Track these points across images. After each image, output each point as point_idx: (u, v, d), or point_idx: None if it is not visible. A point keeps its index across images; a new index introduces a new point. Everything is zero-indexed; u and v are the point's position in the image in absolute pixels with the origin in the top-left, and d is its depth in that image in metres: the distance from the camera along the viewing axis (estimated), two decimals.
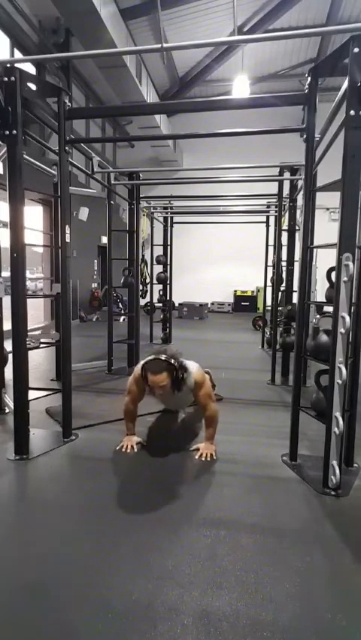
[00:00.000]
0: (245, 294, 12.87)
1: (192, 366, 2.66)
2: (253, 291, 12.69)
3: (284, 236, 4.72)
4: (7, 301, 2.83)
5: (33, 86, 2.64)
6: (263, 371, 4.81)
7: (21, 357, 2.57)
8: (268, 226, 6.81)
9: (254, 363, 5.67)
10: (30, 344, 2.74)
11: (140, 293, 5.45)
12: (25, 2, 7.58)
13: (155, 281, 7.14)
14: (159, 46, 2.91)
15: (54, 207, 3.85)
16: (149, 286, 7.01)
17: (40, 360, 5.25)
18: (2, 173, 2.81)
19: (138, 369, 2.62)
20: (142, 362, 2.54)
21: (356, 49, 1.99)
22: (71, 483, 2.36)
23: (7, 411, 3.37)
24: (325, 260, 3.15)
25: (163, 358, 2.42)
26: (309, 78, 2.35)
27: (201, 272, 13.64)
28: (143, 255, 6.27)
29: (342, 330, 2.09)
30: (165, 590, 1.51)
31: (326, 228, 4.24)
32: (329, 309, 2.24)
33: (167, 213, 7.11)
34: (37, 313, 9.09)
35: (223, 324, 10.07)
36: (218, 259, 13.52)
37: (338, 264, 2.10)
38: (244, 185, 5.20)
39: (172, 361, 2.41)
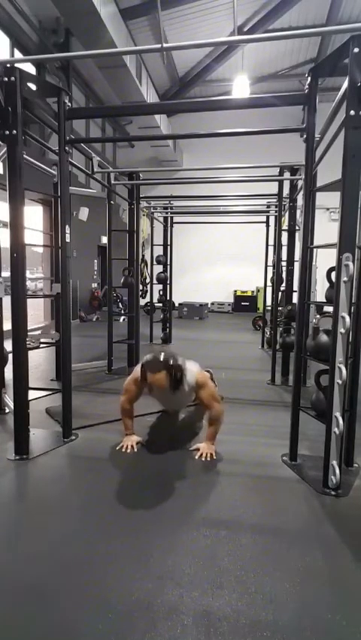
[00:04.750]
0: (245, 294, 12.88)
1: (193, 366, 2.65)
2: (253, 291, 12.69)
3: (284, 236, 4.72)
4: (7, 301, 2.83)
5: (33, 86, 2.64)
6: (263, 371, 4.81)
7: (21, 357, 2.57)
8: (268, 226, 6.81)
9: (254, 363, 5.67)
10: (30, 344, 2.74)
11: (140, 293, 5.45)
12: (25, 2, 7.58)
13: (155, 281, 7.14)
14: (159, 46, 2.91)
15: (54, 207, 3.85)
16: (149, 286, 7.01)
17: (40, 360, 5.25)
18: (2, 173, 2.80)
19: (137, 370, 2.62)
20: (141, 362, 2.54)
21: (356, 49, 1.99)
22: (71, 483, 2.35)
23: (7, 411, 3.37)
24: (325, 260, 3.15)
25: (162, 358, 2.41)
26: (309, 78, 2.34)
27: (201, 272, 13.64)
28: (143, 255, 6.27)
29: (342, 330, 2.09)
30: (165, 590, 1.51)
31: (326, 228, 4.24)
32: (329, 309, 2.23)
33: (167, 213, 7.11)
34: (37, 313, 9.09)
35: (223, 324, 10.07)
36: (218, 259, 13.52)
37: (338, 264, 2.10)
38: (244, 185, 5.20)
39: (170, 361, 2.41)
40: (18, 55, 7.76)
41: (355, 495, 2.20)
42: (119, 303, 9.97)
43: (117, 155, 13.63)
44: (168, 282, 7.20)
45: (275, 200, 5.14)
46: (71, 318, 3.08)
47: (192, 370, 2.61)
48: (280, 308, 4.77)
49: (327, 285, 2.42)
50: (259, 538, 1.82)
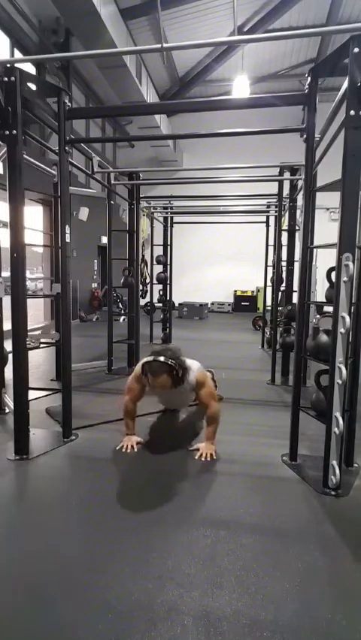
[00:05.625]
0: (245, 294, 12.88)
1: (194, 365, 2.66)
2: (253, 291, 12.69)
3: (284, 236, 4.72)
4: (7, 301, 2.83)
5: (33, 86, 2.64)
6: (263, 371, 4.81)
7: (21, 357, 2.57)
8: (268, 226, 6.81)
9: (254, 363, 5.67)
10: (30, 344, 2.74)
11: (140, 293, 5.45)
12: (25, 2, 7.59)
13: (155, 281, 7.14)
14: (159, 46, 2.91)
15: (54, 207, 3.85)
16: (149, 286, 7.01)
17: (40, 360, 5.25)
18: (2, 173, 2.80)
19: (138, 368, 2.62)
20: (142, 361, 2.54)
21: (356, 49, 1.99)
22: (71, 483, 2.35)
23: (7, 411, 3.37)
24: (325, 260, 3.15)
25: (163, 360, 2.40)
26: (309, 78, 2.34)
27: (201, 272, 13.64)
28: (143, 255, 6.27)
29: (342, 330, 2.09)
30: (165, 590, 1.51)
31: (326, 228, 4.23)
32: (329, 309, 2.23)
33: (167, 213, 7.11)
34: (37, 313, 9.09)
35: (223, 324, 10.07)
36: (218, 259, 13.52)
37: (338, 264, 2.10)
38: (244, 185, 5.21)
39: (171, 362, 2.40)
40: (18, 55, 7.76)
41: (355, 495, 2.20)
42: (119, 303, 9.96)
43: (117, 155, 13.63)
44: (168, 282, 7.19)
45: (275, 200, 5.14)
46: (71, 318, 3.08)
47: (193, 369, 2.61)
48: (280, 308, 4.78)
49: (327, 285, 2.42)
50: (259, 538, 1.82)
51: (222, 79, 11.01)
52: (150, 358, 2.46)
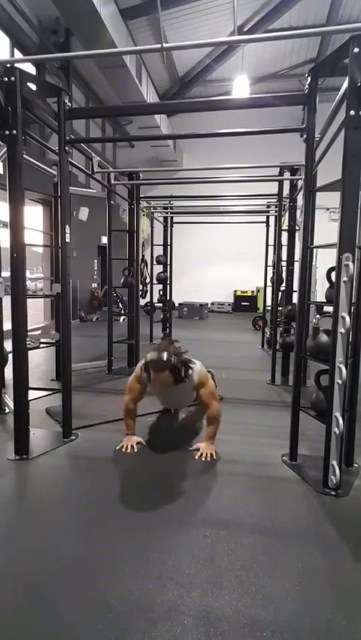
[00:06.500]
0: (245, 294, 12.88)
1: (197, 363, 2.66)
2: (253, 291, 12.69)
3: (284, 236, 4.72)
4: (7, 301, 2.83)
5: (33, 86, 2.64)
6: (263, 371, 4.81)
7: (21, 357, 2.57)
8: (268, 226, 6.81)
9: (254, 363, 5.67)
10: (30, 344, 2.74)
11: (140, 293, 5.45)
12: (25, 2, 7.59)
13: (155, 281, 7.14)
14: (159, 46, 2.91)
15: (54, 207, 3.85)
16: (149, 286, 7.01)
17: (40, 360, 5.25)
18: (2, 173, 2.80)
19: (139, 367, 2.61)
20: (144, 360, 2.53)
21: (356, 49, 1.99)
22: (71, 483, 2.36)
23: (7, 411, 3.37)
24: (325, 260, 3.15)
25: (166, 357, 2.39)
26: (309, 78, 2.34)
27: (201, 272, 13.64)
28: (143, 255, 6.27)
29: (342, 330, 2.09)
30: (165, 590, 1.51)
31: (326, 228, 4.23)
32: (329, 309, 2.23)
33: (167, 213, 7.12)
34: (37, 313, 9.09)
35: (223, 324, 10.07)
36: (218, 259, 13.52)
37: (338, 264, 2.10)
38: (244, 185, 5.21)
39: (173, 359, 2.39)
40: (18, 55, 7.75)
41: (355, 495, 2.20)
42: (119, 303, 9.96)
43: (117, 155, 13.63)
44: (168, 282, 7.20)
45: (275, 200, 5.14)
46: (71, 318, 3.08)
47: (196, 367, 2.61)
48: (280, 308, 4.78)
49: (327, 285, 2.42)
50: (259, 538, 1.82)
51: (222, 79, 11.01)
52: (153, 354, 2.43)
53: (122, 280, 5.07)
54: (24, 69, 2.48)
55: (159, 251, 7.22)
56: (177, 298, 11.04)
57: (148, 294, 7.01)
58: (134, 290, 5.09)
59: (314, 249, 2.63)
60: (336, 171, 2.08)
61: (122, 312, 9.22)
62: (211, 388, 2.70)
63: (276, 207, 5.26)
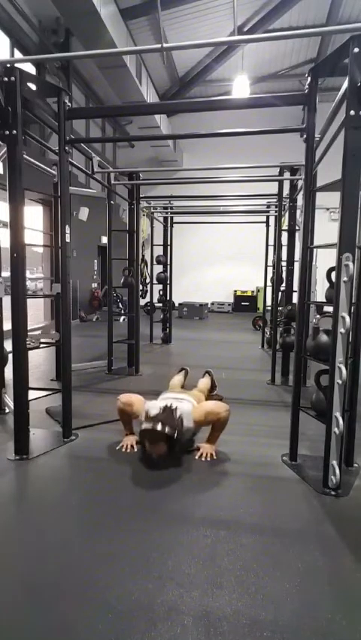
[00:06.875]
0: (245, 294, 12.89)
1: (186, 405, 2.62)
2: (253, 291, 12.70)
3: (284, 236, 4.72)
4: (7, 301, 2.83)
5: (33, 86, 2.64)
6: (263, 371, 4.81)
7: (21, 357, 2.57)
8: (268, 226, 6.81)
9: (254, 363, 5.67)
10: (30, 344, 2.74)
11: (140, 293, 5.45)
12: (25, 2, 7.59)
13: (155, 281, 7.14)
14: (159, 46, 2.91)
15: (54, 207, 3.85)
16: (149, 286, 7.01)
17: (40, 360, 5.25)
18: (2, 173, 2.80)
19: (139, 398, 2.71)
20: (140, 429, 2.43)
21: (356, 49, 1.99)
22: (72, 483, 2.35)
23: (7, 411, 3.37)
24: (325, 260, 3.15)
25: (159, 429, 2.31)
26: (309, 78, 2.34)
27: (201, 272, 13.65)
28: (143, 255, 6.27)
29: (342, 330, 2.09)
30: (165, 590, 1.50)
31: (326, 228, 4.24)
32: (329, 309, 2.23)
33: (167, 213, 7.11)
34: (37, 313, 9.09)
35: (223, 324, 10.07)
36: (218, 259, 13.53)
37: (338, 264, 2.10)
38: (244, 185, 5.20)
39: (168, 431, 2.32)
40: (18, 55, 7.76)
41: (355, 495, 2.20)
42: (119, 303, 9.97)
43: (117, 155, 13.63)
44: (168, 282, 7.20)
45: (275, 200, 5.14)
46: (71, 318, 3.08)
47: (187, 411, 2.55)
48: (280, 308, 4.78)
49: (327, 285, 2.42)
50: (259, 538, 1.82)
51: (222, 79, 11.01)
52: (148, 426, 2.35)
53: (122, 280, 5.07)
54: (24, 69, 2.48)
55: (159, 251, 7.22)
56: (177, 298, 11.05)
57: (148, 294, 7.01)
58: (134, 290, 5.09)
59: (314, 249, 2.63)
60: (336, 171, 2.08)
61: (122, 312, 9.23)
62: (211, 406, 2.65)
63: (276, 207, 5.26)
